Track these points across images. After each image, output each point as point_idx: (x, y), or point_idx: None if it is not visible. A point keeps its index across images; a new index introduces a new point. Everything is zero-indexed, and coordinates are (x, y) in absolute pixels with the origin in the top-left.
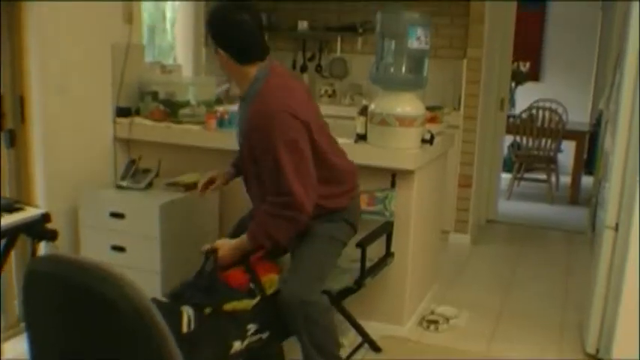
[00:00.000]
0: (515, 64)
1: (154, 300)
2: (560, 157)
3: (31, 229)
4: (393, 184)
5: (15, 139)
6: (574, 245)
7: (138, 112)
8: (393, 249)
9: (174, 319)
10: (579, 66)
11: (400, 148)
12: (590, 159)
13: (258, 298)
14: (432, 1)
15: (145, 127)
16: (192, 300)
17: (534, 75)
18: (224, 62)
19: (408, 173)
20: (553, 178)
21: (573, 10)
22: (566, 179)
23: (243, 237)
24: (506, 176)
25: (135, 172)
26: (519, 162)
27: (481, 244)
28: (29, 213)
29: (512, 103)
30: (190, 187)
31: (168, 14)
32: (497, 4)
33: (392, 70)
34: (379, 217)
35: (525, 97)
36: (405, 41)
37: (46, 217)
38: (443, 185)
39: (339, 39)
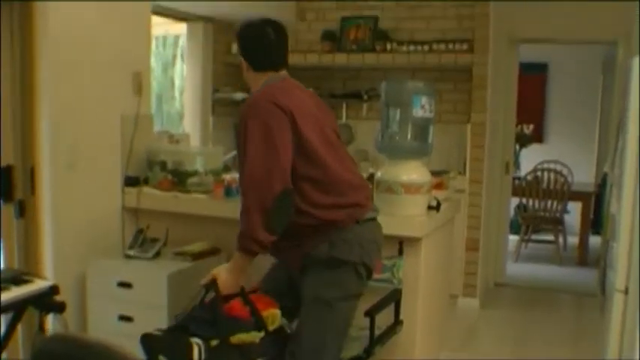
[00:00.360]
0: (519, 126)
1: (160, 331)
2: (567, 217)
3: (39, 301)
4: (400, 252)
5: (24, 210)
6: (584, 308)
7: (146, 182)
8: (401, 316)
9: (182, 351)
10: (582, 127)
11: (407, 216)
12: (596, 219)
13: (263, 332)
14: (435, 69)
15: (153, 197)
16: (198, 332)
17: (538, 137)
18: (243, 68)
19: (415, 240)
20: (560, 239)
21: (574, 72)
22: (573, 240)
23: (235, 253)
24: (513, 238)
25: (143, 242)
26: (526, 224)
27: (490, 308)
28: (37, 285)
29: (517, 166)
30: (198, 256)
31: (177, 82)
32: (499, 70)
33: (397, 138)
34: (387, 284)
35: (530, 159)
36: (409, 110)
37: (54, 289)
38: (450, 250)
39: (344, 105)
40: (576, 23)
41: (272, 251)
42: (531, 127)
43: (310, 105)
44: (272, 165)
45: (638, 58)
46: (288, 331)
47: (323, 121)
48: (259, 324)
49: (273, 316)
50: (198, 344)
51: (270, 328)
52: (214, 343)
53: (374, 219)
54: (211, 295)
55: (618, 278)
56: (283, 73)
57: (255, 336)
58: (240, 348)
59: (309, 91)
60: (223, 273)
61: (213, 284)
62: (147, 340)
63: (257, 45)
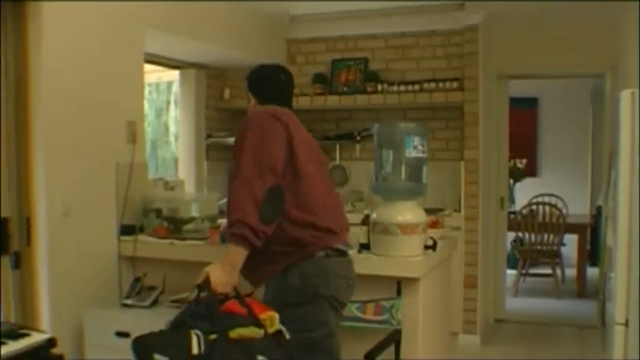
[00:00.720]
0: (512, 161)
1: (158, 332)
2: (564, 250)
3: (37, 355)
4: (398, 293)
5: (20, 261)
6: (585, 341)
7: (142, 229)
8: (402, 357)
9: (180, 343)
10: (575, 159)
11: (404, 256)
12: (593, 250)
13: (263, 331)
14: (426, 108)
15: (149, 245)
16: (196, 326)
17: (532, 171)
18: (251, 104)
19: (413, 281)
20: (558, 272)
21: (564, 105)
22: (571, 272)
23: (226, 247)
24: (511, 273)
25: (140, 290)
26: (523, 258)
27: (491, 345)
28: (34, 339)
29: (512, 200)
30: None
31: (171, 127)
32: (489, 106)
33: (391, 179)
34: (387, 326)
35: (524, 193)
36: (402, 151)
37: (51, 342)
38: (449, 288)
39: (337, 147)
40: (563, 57)
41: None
42: (524, 161)
43: (306, 134)
44: (264, 162)
45: (627, 92)
46: (288, 336)
47: (315, 149)
48: (258, 324)
49: (272, 318)
50: (197, 334)
51: (270, 330)
52: (213, 336)
53: (344, 254)
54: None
55: (618, 311)
56: (287, 110)
57: (255, 332)
58: (241, 344)
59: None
60: (216, 270)
61: (206, 283)
62: (140, 341)
63: (266, 81)
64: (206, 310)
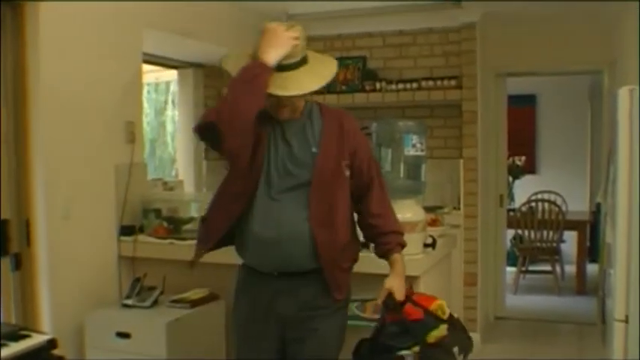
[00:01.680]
0: (511, 158)
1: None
2: (564, 247)
3: (37, 356)
4: None
5: (20, 263)
6: (585, 338)
7: (142, 230)
8: None
9: None
10: (574, 156)
11: (404, 254)
12: (593, 247)
13: (446, 325)
14: (424, 106)
15: (148, 245)
16: (397, 344)
17: (531, 168)
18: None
19: (413, 279)
20: (558, 269)
21: (562, 102)
22: (571, 268)
23: (395, 258)
24: (510, 270)
25: (140, 291)
26: (523, 255)
27: (491, 342)
28: (35, 340)
29: (511, 197)
30: (196, 303)
31: (169, 127)
32: (488, 104)
33: (390, 178)
34: None
35: (524, 190)
36: (401, 149)
37: (52, 343)
38: (449, 286)
39: None
40: (561, 54)
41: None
42: (523, 158)
43: None
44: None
45: (625, 89)
46: (455, 315)
47: None
48: (439, 319)
49: (441, 306)
50: (408, 355)
51: (444, 317)
52: (416, 349)
53: None
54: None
55: (617, 307)
56: None
57: (443, 328)
58: (438, 344)
59: None
60: (397, 281)
61: (391, 298)
62: None
63: None
64: (400, 326)
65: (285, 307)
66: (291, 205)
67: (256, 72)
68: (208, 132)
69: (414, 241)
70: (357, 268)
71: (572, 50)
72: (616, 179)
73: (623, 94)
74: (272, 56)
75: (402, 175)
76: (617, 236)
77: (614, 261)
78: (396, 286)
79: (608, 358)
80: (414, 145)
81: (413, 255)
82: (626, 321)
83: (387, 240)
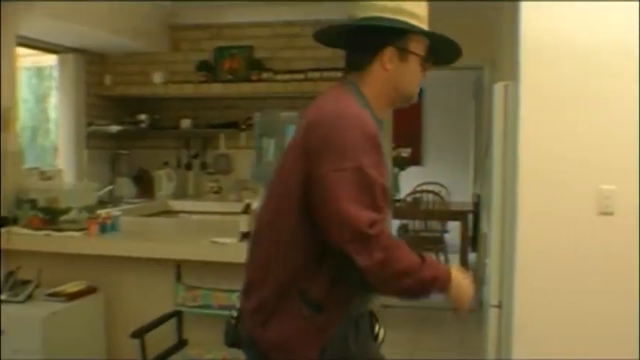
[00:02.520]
0: (397, 150)
1: None
2: (448, 236)
3: None
4: None
5: None
6: (467, 324)
7: (15, 221)
8: None
9: None
10: (458, 149)
11: None
12: (475, 236)
13: None
14: (312, 97)
15: (23, 237)
16: None
17: (416, 160)
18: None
19: None
20: (442, 258)
21: (448, 96)
22: (455, 258)
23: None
24: None
25: (13, 285)
26: (408, 244)
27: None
28: None
29: (397, 188)
30: (73, 296)
31: (52, 115)
32: None
33: (271, 167)
34: None
35: (409, 181)
36: (283, 139)
37: None
38: None
39: (222, 136)
40: None
41: None
42: (409, 150)
43: None
44: None
45: (500, 84)
46: None
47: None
48: None
49: None
50: None
51: None
52: None
53: None
54: None
55: (492, 294)
56: None
57: None
58: None
59: None
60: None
61: None
62: None
63: None
64: None
65: None
66: None
67: (435, 287)
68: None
69: None
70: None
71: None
72: (491, 171)
73: (499, 89)
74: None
75: None
76: (492, 226)
77: (490, 250)
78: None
79: (485, 342)
80: None
81: None
82: (500, 306)
83: None
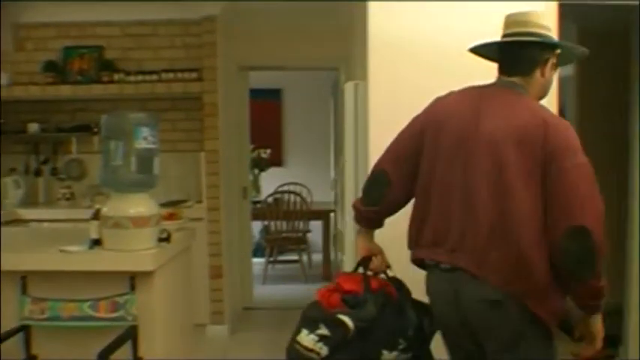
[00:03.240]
0: (257, 151)
1: None
2: (310, 236)
3: None
4: (132, 287)
5: None
6: None
7: None
8: (140, 354)
9: None
10: (319, 149)
11: (137, 250)
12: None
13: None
14: (166, 98)
15: None
16: None
17: (277, 161)
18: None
19: (147, 274)
20: (305, 258)
21: (307, 97)
22: (318, 257)
23: None
24: (261, 261)
25: None
26: (271, 246)
27: (240, 333)
28: None
29: (258, 190)
30: None
31: None
32: (230, 97)
33: (120, 171)
34: (122, 322)
35: (270, 182)
36: (131, 142)
37: None
38: (189, 280)
39: (74, 140)
40: (303, 50)
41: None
42: (269, 151)
43: None
44: None
45: (350, 84)
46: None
47: None
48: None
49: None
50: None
51: None
52: None
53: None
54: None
55: None
56: None
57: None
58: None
59: None
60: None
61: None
62: None
63: None
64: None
65: None
66: None
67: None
68: None
69: (147, 236)
70: (89, 266)
71: (313, 46)
72: (344, 169)
73: (349, 88)
74: None
75: (133, 168)
76: (346, 223)
77: (345, 247)
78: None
79: None
80: (145, 138)
81: (146, 250)
82: None
83: None
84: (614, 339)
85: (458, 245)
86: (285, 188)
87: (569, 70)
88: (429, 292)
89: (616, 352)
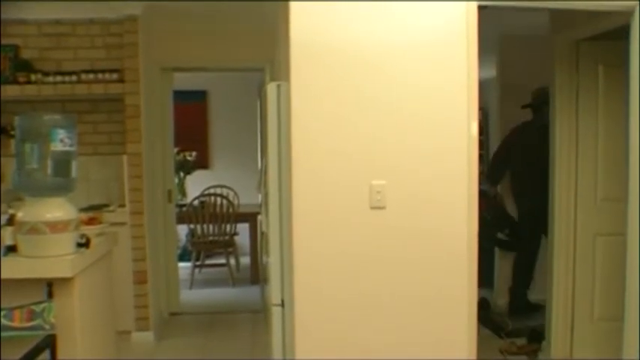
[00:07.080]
0: (182, 154)
1: None
2: (238, 239)
3: None
4: (50, 295)
5: None
6: (257, 325)
7: None
8: None
9: None
10: (246, 151)
11: (54, 256)
12: None
13: None
14: (86, 100)
15: None
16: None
17: (203, 163)
18: None
19: (66, 281)
20: (232, 261)
21: (233, 98)
22: (246, 260)
23: None
24: (188, 265)
25: None
26: (197, 250)
27: (166, 339)
28: None
29: (184, 193)
30: None
31: None
32: (153, 99)
33: (35, 175)
34: (39, 332)
35: (196, 185)
36: (47, 145)
37: None
38: (110, 286)
39: None
40: (228, 51)
41: None
42: (194, 153)
43: None
44: None
45: (273, 84)
46: None
47: None
48: None
49: None
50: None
51: None
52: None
53: None
54: None
55: (274, 293)
56: None
57: None
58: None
59: None
60: None
61: None
62: None
63: None
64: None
65: None
66: None
67: None
68: None
69: (65, 242)
70: (3, 274)
71: (238, 48)
72: (267, 170)
73: (271, 89)
74: None
75: (49, 172)
76: (270, 225)
77: (270, 249)
78: None
79: (270, 341)
80: (61, 140)
81: (64, 256)
82: (282, 305)
83: None
84: (539, 334)
85: None
86: (212, 191)
87: (491, 72)
88: None
89: (539, 347)
